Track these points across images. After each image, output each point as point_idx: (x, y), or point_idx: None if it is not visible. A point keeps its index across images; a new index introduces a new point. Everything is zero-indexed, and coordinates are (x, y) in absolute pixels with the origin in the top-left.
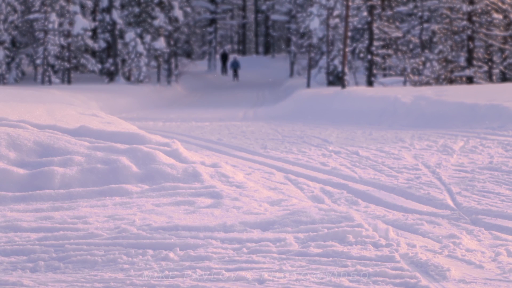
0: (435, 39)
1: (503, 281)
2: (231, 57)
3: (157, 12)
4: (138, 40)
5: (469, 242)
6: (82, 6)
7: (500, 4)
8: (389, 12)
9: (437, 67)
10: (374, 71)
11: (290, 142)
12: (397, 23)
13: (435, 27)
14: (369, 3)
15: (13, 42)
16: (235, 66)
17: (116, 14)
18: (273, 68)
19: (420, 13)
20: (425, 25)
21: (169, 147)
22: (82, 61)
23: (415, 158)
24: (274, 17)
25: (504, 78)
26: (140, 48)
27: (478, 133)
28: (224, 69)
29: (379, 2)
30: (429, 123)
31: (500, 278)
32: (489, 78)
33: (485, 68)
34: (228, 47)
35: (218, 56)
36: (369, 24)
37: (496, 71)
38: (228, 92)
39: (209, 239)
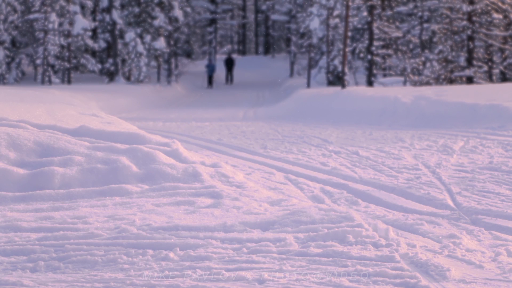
0: (435, 39)
1: (503, 281)
2: (206, 60)
3: (157, 12)
4: (138, 40)
5: (469, 242)
6: (82, 6)
7: (500, 4)
8: (389, 12)
9: (437, 67)
10: (374, 71)
11: (290, 142)
12: (397, 23)
13: (435, 27)
14: (369, 3)
15: (13, 42)
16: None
17: (116, 14)
18: (273, 68)
19: (420, 13)
20: (425, 25)
21: (169, 147)
22: (82, 61)
23: (415, 158)
24: (274, 17)
25: (504, 78)
26: (140, 48)
27: (478, 133)
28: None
29: (379, 2)
30: (429, 123)
31: (500, 278)
32: (489, 78)
33: (485, 68)
34: (228, 47)
35: (206, 60)
36: (369, 24)
37: (496, 71)
38: (228, 92)
39: (209, 239)
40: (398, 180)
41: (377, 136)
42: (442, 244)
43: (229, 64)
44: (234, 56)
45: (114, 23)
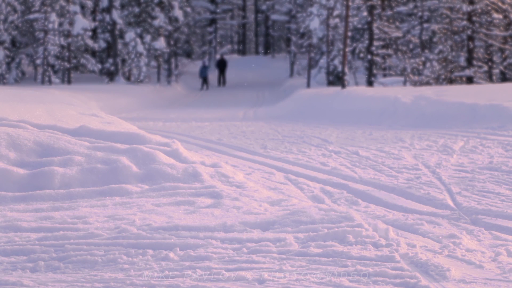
0: (435, 39)
1: (503, 281)
2: (201, 62)
3: (157, 12)
4: (138, 40)
5: (469, 242)
6: (82, 6)
7: (500, 4)
8: (389, 12)
9: (437, 67)
10: (374, 71)
11: (290, 142)
12: (397, 23)
13: (435, 27)
14: (369, 3)
15: (13, 42)
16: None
17: (116, 14)
18: (273, 68)
19: (420, 13)
20: (425, 25)
21: (169, 147)
22: (82, 61)
23: (415, 158)
24: (274, 17)
25: (504, 78)
26: (140, 48)
27: (478, 133)
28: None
29: (379, 2)
30: (429, 123)
31: (500, 278)
32: (489, 78)
33: (485, 68)
34: (228, 46)
35: (201, 63)
36: (369, 24)
37: (496, 71)
38: (228, 92)
39: (209, 239)
40: (398, 180)
41: (377, 136)
42: (442, 244)
43: (221, 65)
44: (227, 57)
45: (114, 23)
